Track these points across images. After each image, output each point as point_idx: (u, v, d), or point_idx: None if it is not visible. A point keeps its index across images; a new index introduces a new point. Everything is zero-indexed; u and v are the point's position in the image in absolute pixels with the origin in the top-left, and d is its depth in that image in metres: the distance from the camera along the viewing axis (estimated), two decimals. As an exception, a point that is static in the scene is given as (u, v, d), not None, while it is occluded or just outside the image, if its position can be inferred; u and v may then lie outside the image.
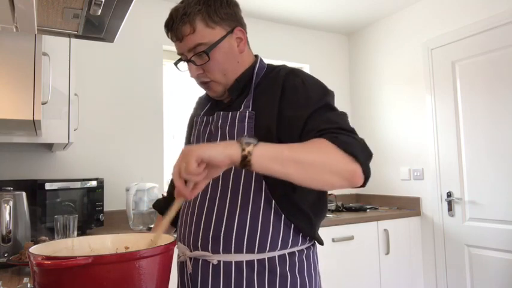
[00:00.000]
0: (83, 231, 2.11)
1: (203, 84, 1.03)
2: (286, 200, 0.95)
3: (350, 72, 3.60)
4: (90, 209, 2.18)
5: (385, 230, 2.70)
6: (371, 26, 3.39)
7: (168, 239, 0.77)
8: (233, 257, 0.94)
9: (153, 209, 2.23)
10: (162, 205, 1.26)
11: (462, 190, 2.63)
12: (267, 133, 0.93)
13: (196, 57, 0.98)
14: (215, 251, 0.94)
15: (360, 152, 0.80)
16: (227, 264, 0.94)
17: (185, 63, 1.02)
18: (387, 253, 2.70)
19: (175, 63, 1.05)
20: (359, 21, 3.33)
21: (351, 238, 2.53)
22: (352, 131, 0.86)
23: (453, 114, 2.69)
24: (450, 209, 2.70)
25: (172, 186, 1.27)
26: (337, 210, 2.91)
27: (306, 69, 3.41)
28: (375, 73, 3.33)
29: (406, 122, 3.04)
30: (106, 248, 0.81)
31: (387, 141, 3.17)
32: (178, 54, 1.03)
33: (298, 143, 0.85)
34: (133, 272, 0.65)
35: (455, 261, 2.66)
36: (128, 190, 2.30)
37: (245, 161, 0.75)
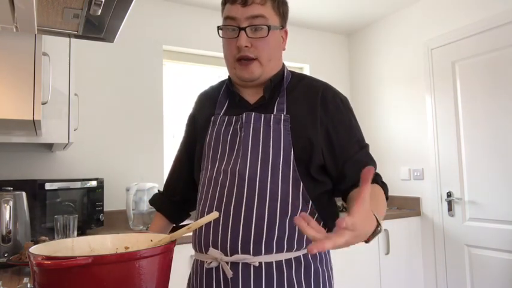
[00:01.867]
0: (83, 231, 2.11)
1: (242, 61, 1.01)
2: (320, 201, 1.01)
3: (350, 72, 3.60)
4: (90, 209, 2.18)
5: (385, 230, 2.70)
6: (371, 26, 3.39)
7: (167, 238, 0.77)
8: (274, 257, 0.95)
9: (153, 209, 2.24)
10: (159, 201, 1.25)
11: (462, 190, 2.63)
12: (307, 143, 0.99)
13: (250, 28, 0.99)
14: (257, 253, 0.94)
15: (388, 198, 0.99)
16: (268, 264, 0.95)
17: (227, 31, 1.01)
18: (387, 253, 2.70)
19: (219, 27, 1.04)
20: (359, 21, 3.33)
21: (351, 238, 2.53)
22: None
23: (453, 114, 2.69)
24: (450, 209, 2.70)
25: (169, 184, 1.25)
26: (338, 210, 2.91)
27: (306, 69, 3.41)
28: (374, 73, 3.33)
29: (406, 122, 3.04)
30: (106, 248, 0.81)
31: (387, 141, 3.17)
32: (229, 18, 1.01)
33: (381, 203, 0.92)
34: (133, 272, 0.65)
35: (455, 261, 2.66)
36: (128, 190, 2.30)
37: None
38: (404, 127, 3.05)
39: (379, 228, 0.77)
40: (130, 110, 2.65)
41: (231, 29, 1.01)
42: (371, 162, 1.02)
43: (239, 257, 0.94)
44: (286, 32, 1.08)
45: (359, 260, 2.58)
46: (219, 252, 0.96)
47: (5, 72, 1.15)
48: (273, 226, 0.94)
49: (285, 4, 1.07)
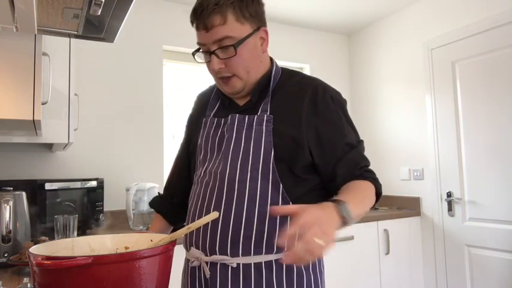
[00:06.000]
0: (83, 231, 2.11)
1: (222, 79, 1.01)
2: (302, 201, 0.97)
3: (350, 72, 3.60)
4: (90, 209, 2.18)
5: (385, 230, 2.70)
6: (371, 26, 3.39)
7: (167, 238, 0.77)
8: (252, 259, 0.94)
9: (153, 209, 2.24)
10: (158, 203, 1.25)
11: (462, 190, 2.63)
12: (290, 143, 0.97)
13: (221, 50, 0.96)
14: (234, 254, 0.94)
15: (381, 194, 1.01)
16: (246, 266, 0.94)
17: (203, 54, 1.01)
18: (387, 253, 2.70)
19: (193, 53, 1.03)
20: (359, 21, 3.33)
21: (351, 238, 2.53)
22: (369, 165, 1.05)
23: (453, 114, 2.69)
24: (450, 209, 2.70)
25: (169, 186, 1.25)
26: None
27: (306, 69, 3.41)
28: (374, 73, 3.33)
29: (406, 122, 3.04)
30: (106, 248, 0.81)
31: (387, 141, 3.17)
32: (199, 44, 1.00)
33: (361, 193, 0.94)
34: (133, 272, 0.65)
35: (455, 261, 2.66)
36: (127, 190, 2.30)
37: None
38: (404, 127, 3.05)
39: (343, 207, 0.80)
40: (131, 110, 2.65)
41: (204, 53, 1.01)
42: (362, 161, 1.01)
43: (217, 258, 0.95)
44: (265, 31, 1.03)
45: (359, 260, 2.58)
46: (200, 251, 0.98)
47: (5, 72, 1.15)
48: (251, 227, 0.94)
49: (252, 4, 0.99)
